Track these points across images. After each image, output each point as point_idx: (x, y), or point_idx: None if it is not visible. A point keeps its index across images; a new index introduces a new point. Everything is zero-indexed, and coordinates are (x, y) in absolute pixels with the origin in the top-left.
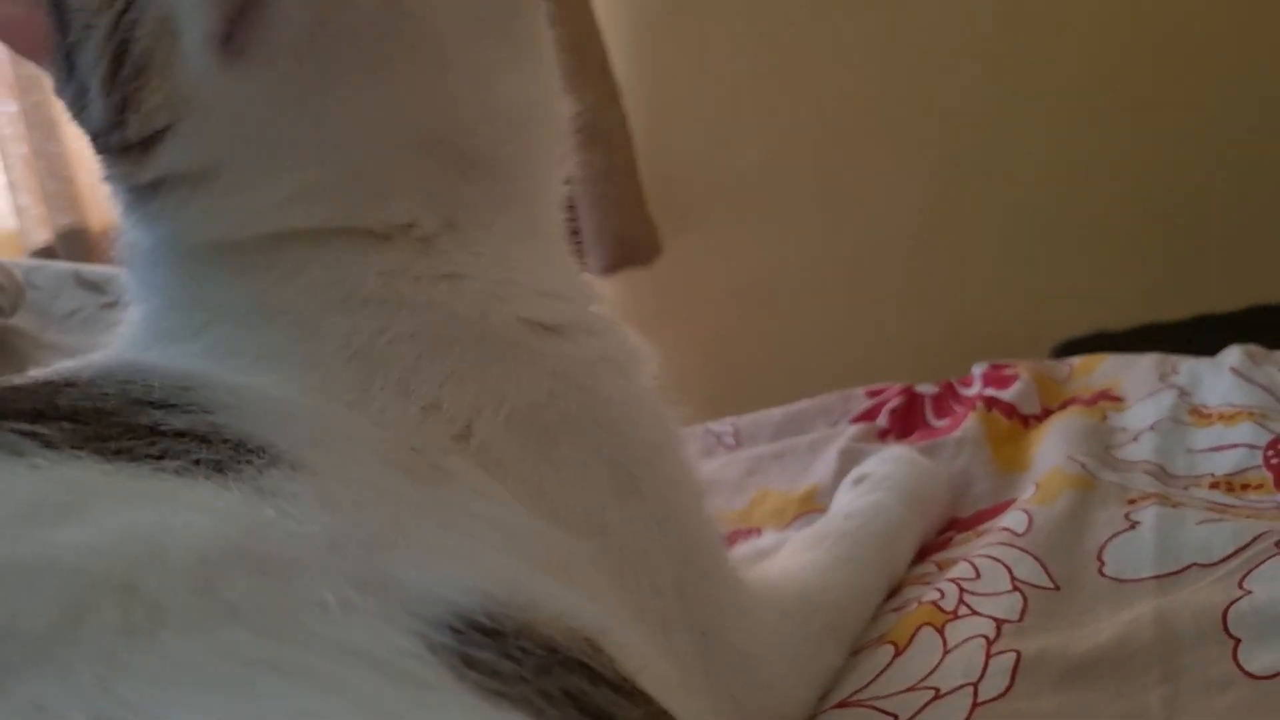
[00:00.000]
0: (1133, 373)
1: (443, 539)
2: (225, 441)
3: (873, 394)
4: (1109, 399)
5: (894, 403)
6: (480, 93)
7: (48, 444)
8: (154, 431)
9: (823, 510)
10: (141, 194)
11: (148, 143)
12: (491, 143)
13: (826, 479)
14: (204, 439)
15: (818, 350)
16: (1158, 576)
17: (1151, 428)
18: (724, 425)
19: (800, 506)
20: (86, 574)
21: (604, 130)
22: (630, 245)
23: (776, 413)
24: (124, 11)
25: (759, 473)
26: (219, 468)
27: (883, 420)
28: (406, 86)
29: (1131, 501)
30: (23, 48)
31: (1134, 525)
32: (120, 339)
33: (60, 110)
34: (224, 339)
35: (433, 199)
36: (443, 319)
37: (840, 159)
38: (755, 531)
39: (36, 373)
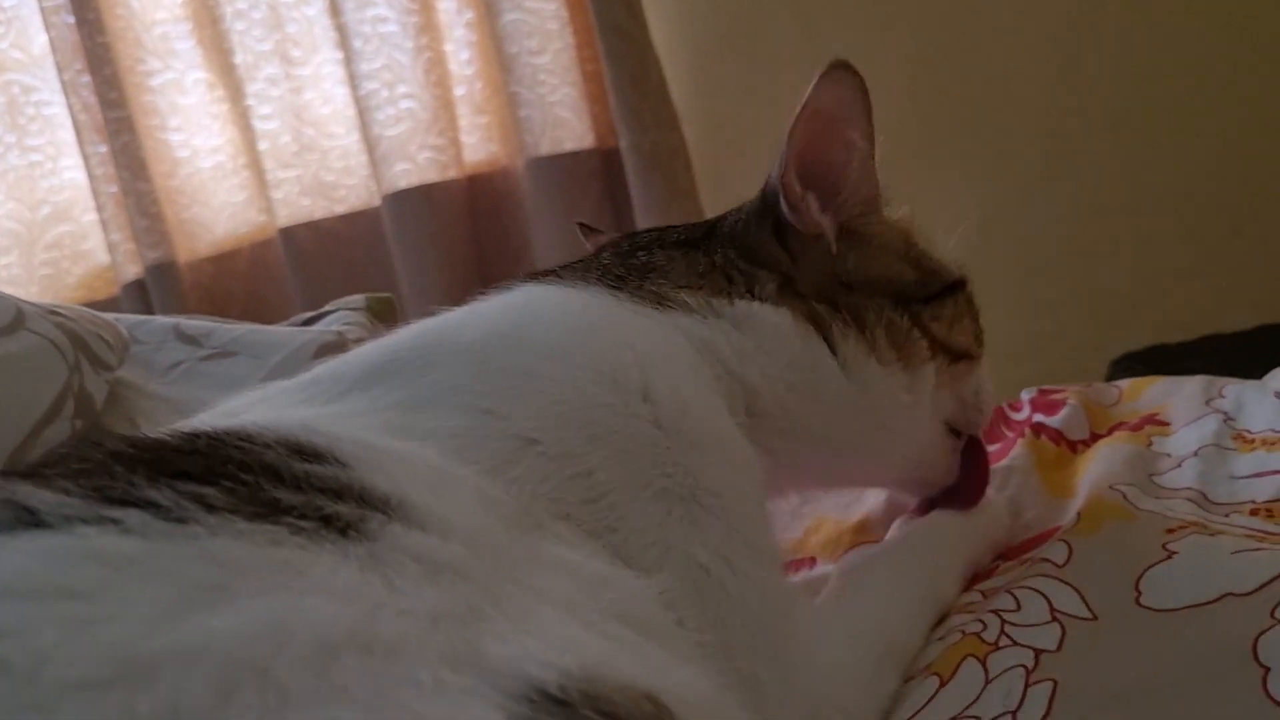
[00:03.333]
0: (1179, 397)
1: (526, 604)
2: (353, 495)
3: None
4: (1155, 424)
5: None
6: None
7: (210, 508)
8: (298, 486)
9: (876, 541)
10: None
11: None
12: None
13: (878, 509)
14: (337, 493)
15: None
16: (1192, 606)
17: (1195, 453)
18: None
19: (854, 537)
20: (233, 660)
21: (664, 157)
22: None
23: None
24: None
25: (814, 499)
26: (343, 530)
27: None
28: None
29: (1170, 531)
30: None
31: (1171, 555)
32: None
33: (149, 151)
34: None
35: None
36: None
37: (898, 175)
38: (810, 561)
39: (208, 422)
